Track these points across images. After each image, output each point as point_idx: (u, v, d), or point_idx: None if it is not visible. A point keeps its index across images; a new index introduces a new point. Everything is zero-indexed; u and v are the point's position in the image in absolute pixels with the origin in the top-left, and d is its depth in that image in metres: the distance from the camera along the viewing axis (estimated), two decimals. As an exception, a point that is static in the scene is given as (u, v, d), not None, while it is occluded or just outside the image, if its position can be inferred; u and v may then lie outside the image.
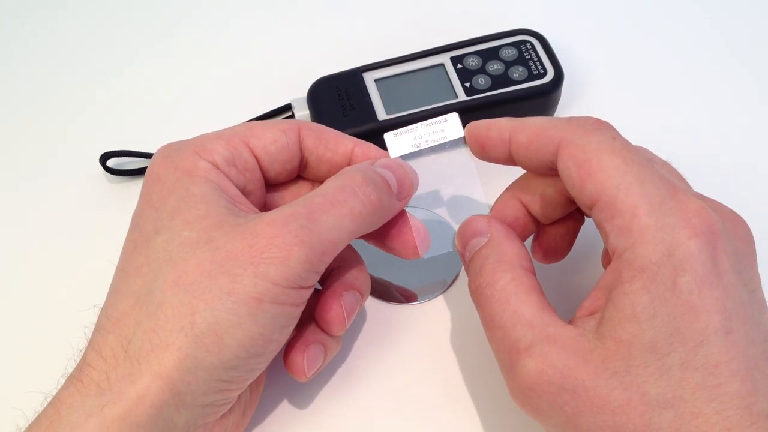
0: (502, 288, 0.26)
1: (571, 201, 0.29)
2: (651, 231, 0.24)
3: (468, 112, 0.38)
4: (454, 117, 0.33)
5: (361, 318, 0.35)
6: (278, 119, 0.30)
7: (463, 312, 0.35)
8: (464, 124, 0.39)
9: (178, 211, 0.26)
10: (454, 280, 0.36)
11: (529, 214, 0.30)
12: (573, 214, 0.31)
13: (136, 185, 0.40)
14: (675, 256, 0.23)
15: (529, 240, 0.31)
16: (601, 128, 0.27)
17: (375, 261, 0.35)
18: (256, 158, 0.29)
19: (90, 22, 0.49)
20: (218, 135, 0.29)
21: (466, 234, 0.29)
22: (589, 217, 0.28)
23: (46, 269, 0.37)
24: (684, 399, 0.23)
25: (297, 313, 0.27)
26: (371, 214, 0.28)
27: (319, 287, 0.31)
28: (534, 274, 0.27)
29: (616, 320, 0.24)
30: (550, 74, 0.39)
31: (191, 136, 0.39)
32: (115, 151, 0.39)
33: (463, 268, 0.35)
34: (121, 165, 0.40)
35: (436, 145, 0.32)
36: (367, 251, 0.32)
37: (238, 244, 0.25)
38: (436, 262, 0.36)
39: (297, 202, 0.27)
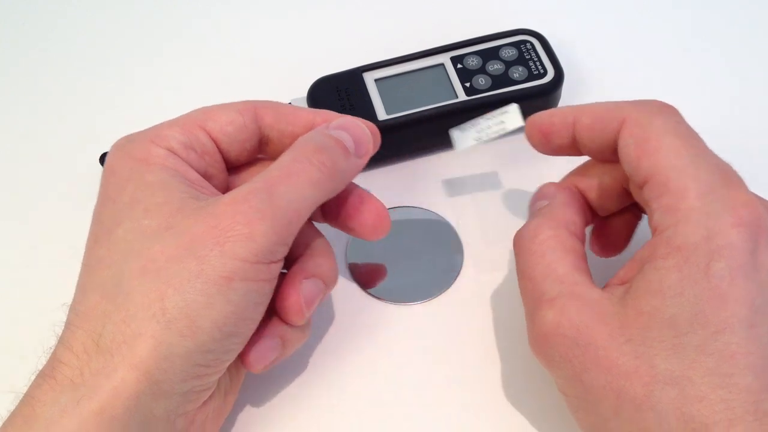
0: (541, 242, 0.27)
1: (627, 193, 0.29)
2: (695, 213, 0.24)
3: (468, 112, 0.38)
4: (514, 108, 0.33)
5: (362, 318, 0.35)
6: (234, 101, 0.30)
7: (464, 312, 0.34)
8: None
9: (136, 201, 0.26)
10: (454, 280, 0.36)
11: (586, 203, 0.30)
12: (630, 208, 0.31)
13: (135, 185, 0.40)
14: (714, 241, 0.24)
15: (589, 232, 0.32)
16: (666, 111, 0.27)
17: (377, 260, 0.35)
18: (214, 141, 0.29)
19: (90, 22, 0.48)
20: (173, 122, 0.29)
21: (535, 196, 0.31)
22: (638, 205, 0.29)
23: (46, 269, 0.37)
24: (692, 380, 0.23)
25: (269, 288, 0.27)
26: (330, 178, 0.28)
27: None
28: (580, 239, 0.28)
29: (642, 291, 0.24)
30: (550, 74, 0.39)
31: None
32: (115, 151, 0.39)
33: (462, 267, 0.36)
34: (120, 165, 0.40)
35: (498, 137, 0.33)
36: (370, 251, 0.32)
37: (200, 226, 0.25)
38: (436, 261, 0.36)
39: (255, 179, 0.27)
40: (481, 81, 0.39)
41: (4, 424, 0.24)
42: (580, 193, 0.30)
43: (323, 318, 0.35)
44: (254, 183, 0.26)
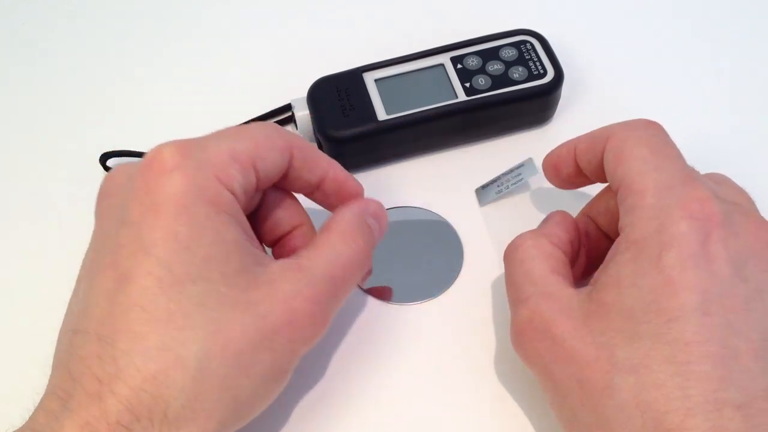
0: (523, 251, 0.30)
1: None
2: (650, 209, 0.26)
3: (468, 112, 0.39)
4: (529, 160, 0.37)
5: (362, 318, 0.35)
6: (274, 128, 0.30)
7: (463, 312, 0.35)
8: (465, 124, 0.39)
9: (213, 260, 0.25)
10: (454, 280, 0.36)
11: (599, 229, 0.32)
12: None
13: (136, 185, 0.40)
14: (664, 233, 0.25)
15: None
16: (646, 126, 0.29)
17: (377, 261, 0.35)
18: (256, 179, 0.29)
19: (90, 22, 0.48)
20: (231, 154, 0.27)
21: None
22: None
23: (46, 269, 0.37)
24: (650, 368, 0.23)
25: None
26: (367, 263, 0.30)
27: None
28: (563, 250, 0.30)
29: (603, 285, 0.26)
30: (550, 74, 0.39)
31: (191, 136, 0.38)
32: (115, 151, 0.39)
33: (463, 267, 0.36)
34: (121, 165, 0.40)
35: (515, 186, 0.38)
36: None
37: (279, 315, 0.26)
38: (436, 261, 0.36)
39: (321, 272, 0.27)
40: (481, 81, 0.39)
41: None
42: (591, 222, 0.33)
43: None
44: (323, 282, 0.27)
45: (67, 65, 0.46)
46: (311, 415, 0.32)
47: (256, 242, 0.28)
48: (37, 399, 0.25)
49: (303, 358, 0.32)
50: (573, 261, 0.31)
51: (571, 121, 0.41)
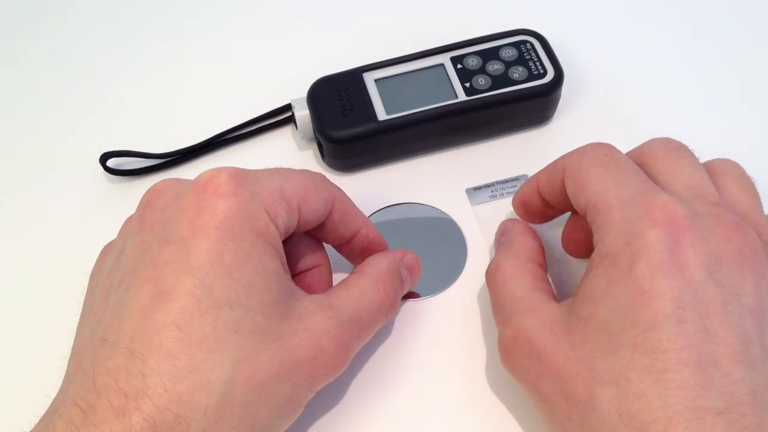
0: (503, 272, 0.30)
1: None
2: (617, 224, 0.26)
3: (468, 112, 0.39)
4: (525, 177, 0.38)
5: None
6: (321, 178, 0.31)
7: (468, 307, 0.35)
8: (465, 124, 0.39)
9: (253, 287, 0.26)
10: (459, 275, 0.36)
11: (543, 199, 0.33)
12: None
13: (136, 185, 0.40)
14: (633, 245, 0.25)
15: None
16: (596, 147, 0.30)
17: None
18: (298, 221, 0.29)
19: (90, 22, 0.48)
20: (281, 193, 0.28)
21: (497, 233, 0.35)
22: None
23: (46, 269, 0.37)
24: (629, 379, 0.23)
25: None
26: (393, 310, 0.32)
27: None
28: (539, 264, 0.31)
29: (580, 299, 0.26)
30: (550, 74, 0.39)
31: (191, 136, 0.39)
32: (115, 151, 0.39)
33: (467, 263, 0.36)
34: (121, 165, 0.40)
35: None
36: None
37: (305, 350, 0.26)
38: (440, 257, 0.36)
39: (349, 314, 0.29)
40: (481, 81, 0.39)
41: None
42: (528, 225, 0.34)
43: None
44: (350, 323, 0.28)
45: (68, 65, 0.46)
46: (314, 409, 0.32)
47: (290, 276, 0.29)
48: (46, 402, 0.25)
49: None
50: (545, 264, 0.32)
51: (571, 121, 0.41)
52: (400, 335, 0.34)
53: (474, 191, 0.38)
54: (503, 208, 0.38)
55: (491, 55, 0.40)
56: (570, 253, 0.34)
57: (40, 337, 0.34)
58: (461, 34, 0.41)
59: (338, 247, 0.33)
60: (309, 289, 0.31)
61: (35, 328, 0.34)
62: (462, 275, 0.36)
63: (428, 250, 0.37)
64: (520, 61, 0.40)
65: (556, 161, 0.31)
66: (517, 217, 0.35)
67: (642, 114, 0.41)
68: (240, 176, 0.27)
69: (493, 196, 0.38)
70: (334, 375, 0.28)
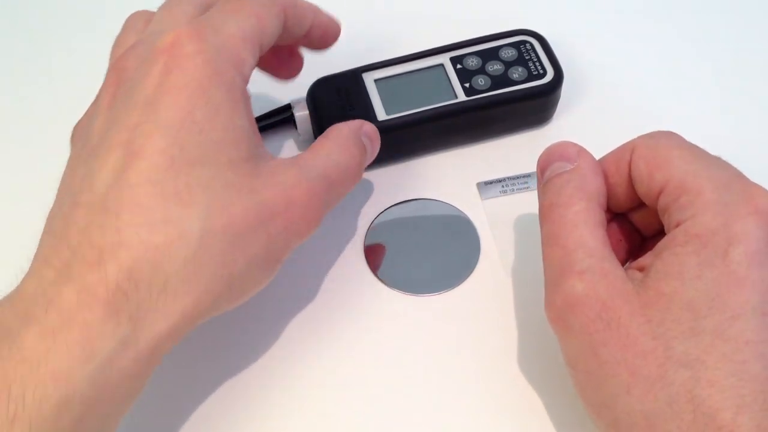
0: (576, 213, 0.27)
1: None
2: (713, 204, 0.25)
3: (468, 113, 0.39)
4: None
5: (378, 308, 0.35)
6: None
7: (479, 304, 0.35)
8: (465, 124, 0.39)
9: (223, 145, 0.26)
10: (471, 273, 0.36)
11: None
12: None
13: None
14: (731, 228, 0.24)
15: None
16: (670, 133, 0.29)
17: (393, 253, 0.35)
18: (260, 53, 0.30)
19: (91, 22, 0.48)
20: (243, 37, 0.28)
21: (552, 155, 0.30)
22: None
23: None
24: (706, 364, 0.23)
25: None
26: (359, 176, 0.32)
27: None
28: (606, 212, 0.29)
29: (662, 274, 0.25)
30: (550, 74, 0.39)
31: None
32: (115, 151, 0.39)
33: (479, 262, 0.36)
34: (120, 165, 0.40)
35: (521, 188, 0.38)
36: (387, 240, 0.33)
37: (277, 202, 0.27)
38: (453, 253, 0.36)
39: (318, 170, 0.29)
40: (481, 81, 0.39)
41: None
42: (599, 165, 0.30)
43: (337, 307, 0.35)
44: (322, 178, 0.29)
45: (68, 65, 0.46)
46: (320, 404, 0.32)
47: (259, 135, 0.29)
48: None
49: (312, 344, 0.33)
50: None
51: (571, 122, 0.41)
52: (407, 331, 0.34)
53: (485, 186, 0.38)
54: (514, 204, 0.38)
55: (491, 55, 0.40)
56: None
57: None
58: (461, 35, 0.41)
59: (295, 44, 0.34)
60: (290, 72, 0.36)
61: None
62: (474, 272, 0.36)
63: (441, 246, 0.37)
64: (520, 61, 0.40)
65: (621, 146, 0.29)
66: (575, 144, 0.30)
67: (642, 114, 0.41)
68: (201, 31, 0.27)
69: (503, 192, 0.38)
70: (308, 231, 0.29)
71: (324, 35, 0.34)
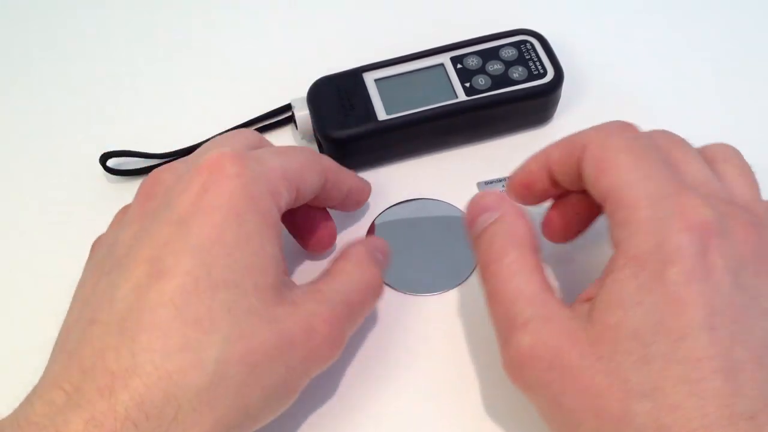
0: (508, 265, 0.27)
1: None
2: (646, 222, 0.25)
3: (468, 112, 0.39)
4: None
5: (378, 308, 0.35)
6: (312, 152, 0.32)
7: (478, 305, 0.34)
8: (465, 124, 0.39)
9: (250, 270, 0.26)
10: (470, 273, 0.36)
11: (554, 178, 0.30)
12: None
13: (136, 185, 0.39)
14: (665, 247, 0.24)
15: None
16: (623, 129, 0.28)
17: (393, 253, 0.35)
18: (296, 198, 0.30)
19: (91, 22, 0.49)
20: (283, 173, 0.28)
21: (476, 209, 0.29)
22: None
23: (45, 269, 0.37)
24: (664, 391, 0.23)
25: None
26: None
27: None
28: (539, 253, 0.28)
29: (606, 304, 0.25)
30: (550, 74, 0.39)
31: (191, 136, 0.39)
32: (115, 151, 0.39)
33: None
34: (121, 165, 0.40)
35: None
36: (390, 244, 0.33)
37: (298, 333, 0.26)
38: (454, 253, 0.36)
39: (340, 297, 0.29)
40: (481, 81, 0.39)
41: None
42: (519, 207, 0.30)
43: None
44: (340, 305, 0.28)
45: (68, 65, 0.46)
46: (317, 405, 0.32)
47: (285, 264, 0.29)
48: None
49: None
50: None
51: (571, 121, 0.41)
52: (406, 331, 0.34)
53: (485, 185, 0.38)
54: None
55: (491, 55, 0.40)
56: (549, 238, 0.32)
57: (39, 337, 0.34)
58: (461, 34, 0.41)
59: (331, 206, 0.35)
60: (320, 244, 0.35)
61: (35, 327, 0.34)
62: (474, 272, 0.36)
63: (440, 246, 0.37)
64: (520, 61, 0.40)
65: (572, 137, 0.29)
66: (494, 192, 0.30)
67: (642, 113, 0.41)
68: (243, 157, 0.27)
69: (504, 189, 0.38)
70: (328, 360, 0.28)
71: (358, 201, 0.35)
